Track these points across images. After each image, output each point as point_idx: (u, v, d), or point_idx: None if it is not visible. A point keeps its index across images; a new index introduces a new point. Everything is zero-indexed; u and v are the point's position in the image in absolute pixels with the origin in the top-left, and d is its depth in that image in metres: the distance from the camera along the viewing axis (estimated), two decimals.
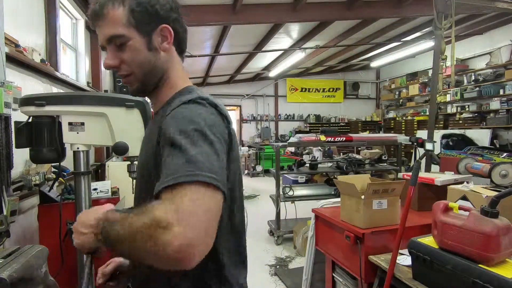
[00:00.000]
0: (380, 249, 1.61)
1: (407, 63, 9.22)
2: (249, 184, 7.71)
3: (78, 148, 1.62)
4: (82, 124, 1.59)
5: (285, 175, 4.98)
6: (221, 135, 0.63)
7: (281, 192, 3.89)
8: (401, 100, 9.71)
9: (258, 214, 5.02)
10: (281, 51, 7.00)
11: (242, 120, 10.63)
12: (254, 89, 10.29)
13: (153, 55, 0.71)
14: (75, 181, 1.65)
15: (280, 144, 4.00)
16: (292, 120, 10.82)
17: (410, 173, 1.54)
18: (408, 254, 1.34)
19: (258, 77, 10.11)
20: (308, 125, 10.59)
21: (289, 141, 3.96)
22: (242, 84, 10.36)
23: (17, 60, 1.94)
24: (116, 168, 2.74)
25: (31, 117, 1.55)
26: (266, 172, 8.55)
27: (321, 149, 5.63)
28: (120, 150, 1.57)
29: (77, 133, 1.59)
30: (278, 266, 3.27)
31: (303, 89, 10.86)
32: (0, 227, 1.60)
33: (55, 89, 2.59)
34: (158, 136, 0.66)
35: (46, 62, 2.35)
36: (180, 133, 0.57)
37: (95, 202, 1.79)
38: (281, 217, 3.92)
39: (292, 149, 6.06)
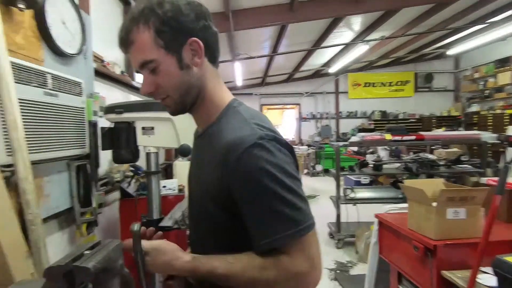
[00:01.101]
0: (456, 264, 1.42)
1: (495, 48, 7.91)
2: (308, 183, 7.58)
3: (149, 150, 1.81)
4: (152, 128, 1.77)
5: (347, 175, 4.75)
6: (293, 168, 0.67)
7: (341, 194, 3.73)
8: (487, 91, 8.40)
9: (317, 215, 4.80)
10: (342, 46, 6.69)
11: (301, 119, 10.50)
12: (314, 87, 10.05)
13: (186, 73, 0.69)
14: (147, 179, 1.85)
15: (341, 143, 3.84)
16: (355, 118, 10.27)
17: (497, 178, 1.32)
18: (493, 274, 1.15)
19: (317, 74, 9.85)
20: (372, 122, 9.91)
21: (351, 140, 3.77)
22: (301, 82, 10.22)
23: (102, 73, 2.25)
24: (182, 167, 2.97)
25: (112, 123, 1.79)
26: (326, 171, 8.29)
27: (388, 148, 5.21)
28: (184, 151, 1.70)
29: (149, 136, 1.77)
30: (338, 271, 3.14)
31: (367, 84, 10.21)
32: (90, 217, 1.89)
33: (132, 97, 2.93)
34: (223, 173, 0.65)
35: (125, 74, 2.67)
36: (268, 183, 0.61)
37: (164, 198, 1.97)
38: (342, 219, 3.76)
39: (355, 148, 5.75)
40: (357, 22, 5.69)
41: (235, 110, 0.73)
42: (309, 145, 9.32)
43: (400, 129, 3.80)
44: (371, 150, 5.78)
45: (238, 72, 6.94)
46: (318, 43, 6.31)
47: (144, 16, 0.65)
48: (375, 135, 3.72)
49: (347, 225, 3.90)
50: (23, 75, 1.31)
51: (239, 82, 8.14)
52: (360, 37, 6.22)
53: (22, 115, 1.20)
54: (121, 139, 1.77)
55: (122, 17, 2.88)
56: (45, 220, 1.56)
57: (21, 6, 1.30)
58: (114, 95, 2.55)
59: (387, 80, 10.14)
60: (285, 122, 14.61)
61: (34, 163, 1.34)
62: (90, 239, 1.95)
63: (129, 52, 0.69)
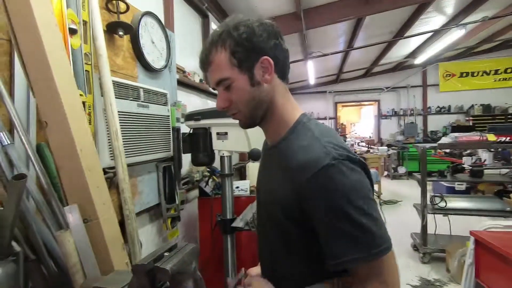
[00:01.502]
0: None
1: None
2: (388, 187, 6.95)
3: (223, 153, 1.92)
4: (226, 133, 1.87)
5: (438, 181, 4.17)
6: (368, 188, 0.67)
7: (428, 202, 3.30)
8: None
9: (398, 223, 4.46)
10: (430, 33, 5.90)
11: (380, 116, 9.68)
12: (395, 81, 9.14)
13: (256, 90, 0.72)
14: (221, 181, 1.97)
15: (427, 145, 3.38)
16: (448, 113, 8.95)
17: None
18: None
19: (400, 66, 8.92)
20: (471, 118, 8.47)
21: (440, 142, 3.29)
22: (381, 77, 9.41)
23: (183, 83, 2.49)
24: (254, 169, 3.08)
25: (191, 129, 1.97)
26: (411, 174, 7.45)
27: (492, 150, 4.38)
28: (254, 155, 1.76)
29: (222, 141, 1.89)
30: None
31: (463, 74, 8.77)
32: (174, 213, 2.12)
33: (209, 102, 3.16)
34: (297, 192, 0.67)
35: (203, 81, 2.90)
36: (342, 206, 0.62)
37: (237, 199, 2.07)
38: (429, 231, 3.33)
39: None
40: (450, 5, 4.93)
41: (305, 126, 0.75)
42: (389, 145, 8.53)
43: (507, 127, 3.14)
44: (468, 151, 4.94)
45: (311, 71, 6.81)
46: (400, 33, 5.71)
47: (222, 39, 0.70)
48: (473, 136, 3.16)
49: (435, 238, 3.43)
50: (122, 91, 1.55)
51: (311, 80, 7.98)
52: (454, 21, 5.37)
53: (121, 125, 1.43)
54: (199, 144, 1.93)
55: (201, 29, 3.13)
56: (139, 213, 1.83)
57: (121, 33, 1.54)
58: (194, 101, 2.80)
59: (491, 68, 8.51)
60: (362, 120, 13.73)
61: (130, 165, 1.57)
62: (174, 233, 2.19)
63: (207, 71, 0.75)
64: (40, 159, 1.06)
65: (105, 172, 1.44)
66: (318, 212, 0.65)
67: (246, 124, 0.79)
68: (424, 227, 3.29)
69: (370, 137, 10.95)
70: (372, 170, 5.97)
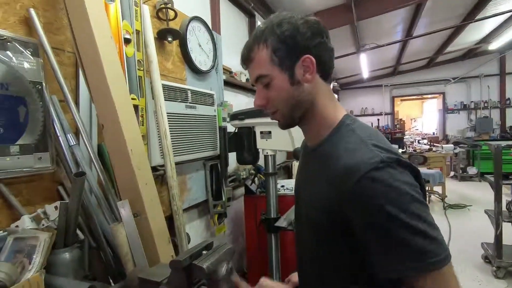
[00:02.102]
0: None
1: None
2: (455, 189, 6.24)
3: (267, 152, 1.93)
4: (270, 132, 1.87)
5: None
6: (417, 191, 0.61)
7: (504, 208, 2.88)
8: None
9: (466, 230, 3.98)
10: (509, 14, 5.09)
11: (446, 110, 8.72)
12: (464, 70, 8.13)
13: (296, 89, 0.70)
14: (265, 179, 1.98)
15: (503, 143, 2.94)
16: None
17: None
18: None
19: (470, 53, 7.90)
20: None
21: None
22: (446, 66, 8.45)
23: (230, 83, 2.56)
24: None
25: (236, 128, 2.02)
26: (483, 176, 6.58)
27: None
28: (298, 155, 1.73)
29: (266, 140, 1.89)
30: None
31: None
32: (221, 209, 2.20)
33: None
34: (340, 197, 0.63)
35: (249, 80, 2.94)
36: (392, 211, 0.57)
37: (282, 198, 2.07)
38: (505, 241, 2.90)
39: None
40: None
41: (349, 129, 0.71)
42: (457, 143, 7.62)
43: None
44: None
45: (364, 64, 6.43)
46: (471, 16, 5.04)
47: (264, 36, 0.69)
48: None
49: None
50: (171, 93, 1.65)
51: (365, 74, 7.53)
52: None
53: (170, 126, 1.52)
54: (243, 143, 1.96)
55: (247, 28, 3.18)
56: (188, 209, 1.94)
57: (169, 39, 1.64)
58: (241, 101, 2.86)
59: None
60: (424, 115, 12.53)
61: (178, 163, 1.67)
62: (221, 228, 2.27)
63: (248, 68, 0.75)
64: (100, 158, 1.19)
65: (156, 170, 1.55)
66: (366, 219, 0.60)
67: (285, 124, 0.77)
68: (498, 236, 2.88)
69: (433, 133, 9.95)
70: (435, 170, 5.41)
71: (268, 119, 1.81)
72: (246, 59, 0.73)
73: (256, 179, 2.56)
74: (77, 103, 1.18)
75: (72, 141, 1.10)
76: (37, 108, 1.02)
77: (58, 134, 1.06)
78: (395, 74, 8.86)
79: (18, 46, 0.99)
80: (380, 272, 0.60)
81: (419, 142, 7.65)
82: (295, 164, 3.25)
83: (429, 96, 9.88)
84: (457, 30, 5.68)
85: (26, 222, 0.94)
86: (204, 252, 0.79)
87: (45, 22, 1.09)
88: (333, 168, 0.66)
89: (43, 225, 0.98)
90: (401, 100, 10.85)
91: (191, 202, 1.94)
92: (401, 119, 11.35)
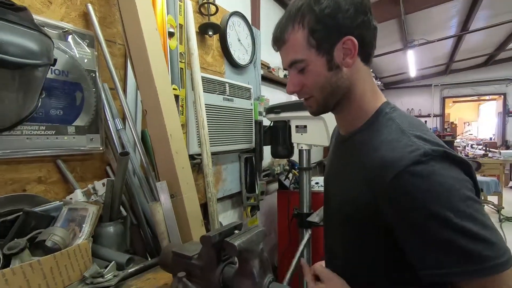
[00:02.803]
0: None
1: None
2: None
3: (302, 147, 1.91)
4: (305, 127, 1.86)
5: None
6: (469, 188, 0.55)
7: None
8: None
9: None
10: None
11: (507, 113, 7.85)
12: None
13: (334, 74, 0.64)
14: (299, 175, 1.97)
15: None
16: None
17: None
18: None
19: None
20: None
21: None
22: (508, 64, 7.60)
23: (268, 78, 2.57)
24: None
25: (272, 122, 2.03)
26: None
27: None
28: None
29: (301, 134, 1.88)
30: None
31: None
32: (254, 202, 2.23)
33: (293, 97, 3.18)
34: (376, 191, 0.59)
35: (287, 77, 2.94)
36: (437, 209, 0.52)
37: (315, 195, 2.04)
38: None
39: None
40: None
41: (388, 117, 0.64)
42: None
43: None
44: None
45: (412, 62, 6.04)
46: None
47: (301, 15, 0.62)
48: None
49: None
50: (210, 86, 1.71)
51: (412, 73, 7.07)
52: None
53: (207, 117, 1.58)
54: (278, 136, 1.97)
55: None
56: (222, 199, 2.00)
57: (210, 33, 1.70)
58: (278, 96, 2.86)
59: None
60: (480, 119, 11.41)
61: (214, 153, 1.73)
62: (253, 221, 2.30)
63: (280, 50, 0.68)
64: (142, 142, 1.28)
65: (193, 158, 1.63)
66: (405, 217, 0.55)
67: (318, 111, 0.71)
68: None
69: (491, 139, 9.02)
70: (490, 178, 4.91)
71: (305, 113, 1.81)
72: (279, 41, 0.66)
73: (290, 174, 2.55)
74: (125, 91, 1.28)
75: (119, 125, 1.19)
76: (90, 94, 1.13)
77: (108, 118, 1.17)
78: (447, 73, 8.19)
79: (77, 38, 1.11)
80: (426, 276, 0.54)
81: (472, 147, 7.00)
82: None
83: (487, 97, 8.98)
84: None
85: (78, 195, 1.05)
86: (236, 231, 0.81)
87: (100, 17, 1.20)
88: (369, 160, 0.61)
89: (92, 199, 1.08)
90: (454, 102, 10.01)
91: (225, 193, 1.99)
92: (452, 122, 10.47)
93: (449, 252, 0.51)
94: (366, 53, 0.65)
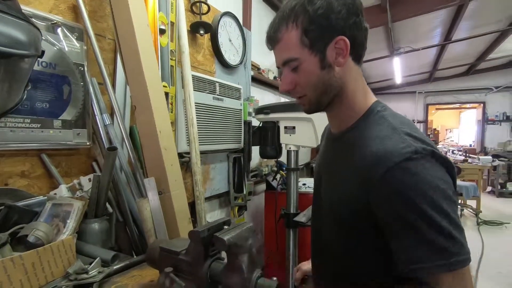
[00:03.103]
0: None
1: None
2: (492, 205, 5.83)
3: (290, 148, 1.93)
4: (294, 128, 1.88)
5: None
6: (452, 189, 0.57)
7: None
8: None
9: (502, 249, 3.71)
10: None
11: (486, 121, 8.18)
12: (509, 79, 7.59)
13: (326, 73, 0.65)
14: (287, 175, 1.99)
15: None
16: None
17: None
18: None
19: None
20: None
21: None
22: (488, 74, 7.93)
23: (257, 79, 2.59)
24: None
25: (261, 123, 2.04)
26: None
27: None
28: None
29: (290, 135, 1.90)
30: None
31: None
32: (241, 202, 2.23)
33: (282, 99, 3.21)
34: (366, 187, 0.60)
35: (277, 78, 2.96)
36: (423, 206, 0.54)
37: (302, 196, 2.06)
38: None
39: None
40: None
41: (379, 116, 0.67)
42: (496, 155, 7.11)
43: None
44: None
45: (397, 69, 6.21)
46: None
47: (294, 15, 0.63)
48: None
49: None
50: (200, 84, 1.71)
51: (398, 79, 7.27)
52: None
53: (197, 115, 1.58)
54: (267, 137, 1.98)
55: None
56: (210, 198, 1.99)
57: (201, 32, 1.71)
58: (267, 98, 2.88)
59: None
60: (462, 126, 11.82)
61: (203, 152, 1.73)
62: (240, 221, 2.30)
63: (274, 49, 0.69)
64: (131, 138, 1.26)
65: (182, 157, 1.62)
66: (393, 212, 0.57)
67: (311, 109, 0.72)
68: None
69: (471, 145, 9.37)
70: (469, 183, 5.09)
71: (294, 114, 1.83)
72: (273, 40, 0.67)
73: (278, 175, 2.57)
74: (114, 86, 1.27)
75: (107, 121, 1.18)
76: (78, 88, 1.11)
77: (96, 113, 1.15)
78: (431, 81, 8.46)
79: (66, 30, 1.09)
80: (402, 268, 0.57)
81: (453, 153, 7.24)
82: None
83: (468, 105, 9.33)
84: (503, 35, 5.33)
85: (63, 190, 1.03)
86: (225, 227, 0.81)
87: (90, 10, 1.18)
88: (360, 156, 0.62)
89: (77, 195, 1.06)
90: (436, 109, 10.34)
91: (213, 192, 1.99)
92: (435, 129, 10.80)
93: (426, 249, 0.54)
94: (357, 53, 0.67)
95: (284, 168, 2.49)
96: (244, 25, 2.26)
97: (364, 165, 0.60)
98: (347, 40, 0.63)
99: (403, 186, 0.55)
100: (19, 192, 0.96)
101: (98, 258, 0.87)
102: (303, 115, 1.85)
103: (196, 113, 1.56)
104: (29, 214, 0.91)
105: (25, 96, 0.95)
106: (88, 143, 1.14)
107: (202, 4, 1.71)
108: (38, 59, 0.94)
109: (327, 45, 0.64)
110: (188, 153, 1.58)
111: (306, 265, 0.98)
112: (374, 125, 0.65)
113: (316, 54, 0.64)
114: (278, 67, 0.72)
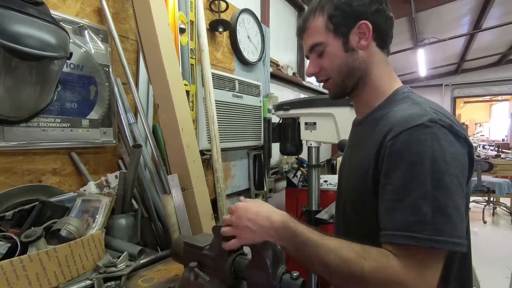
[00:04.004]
0: None
1: None
2: None
3: (311, 144, 1.91)
4: (314, 123, 1.85)
5: None
6: (461, 171, 0.54)
7: None
8: None
9: None
10: None
11: None
12: None
13: (350, 56, 0.69)
14: (308, 172, 1.96)
15: None
16: None
17: None
18: None
19: None
20: None
21: None
22: None
23: (276, 76, 2.57)
24: None
25: (281, 119, 2.02)
26: None
27: None
28: (342, 146, 1.68)
29: (311, 131, 1.87)
30: None
31: None
32: (262, 199, 2.23)
33: (302, 95, 3.17)
34: (378, 153, 0.60)
35: (296, 74, 2.93)
36: (413, 176, 0.52)
37: (324, 193, 2.03)
38: None
39: None
40: None
41: (404, 95, 0.68)
42: None
43: None
44: None
45: (422, 61, 5.96)
46: None
47: (321, 5, 0.70)
48: None
49: None
50: (220, 82, 1.72)
51: (422, 72, 6.98)
52: None
53: (217, 113, 1.59)
54: (287, 133, 1.97)
55: (296, 22, 3.16)
56: (231, 195, 2.00)
57: (220, 30, 1.71)
58: (286, 94, 2.86)
59: None
60: (492, 120, 11.19)
61: (224, 150, 1.74)
62: None
63: (303, 38, 0.74)
64: (154, 137, 1.29)
65: (203, 154, 1.64)
66: (391, 170, 0.55)
67: (337, 93, 0.74)
68: None
69: (503, 140, 8.85)
70: (502, 179, 4.81)
71: (314, 110, 1.80)
72: (302, 29, 0.73)
73: (298, 172, 2.55)
74: (137, 85, 1.30)
75: (132, 119, 1.21)
76: (104, 88, 1.14)
77: (120, 112, 1.19)
78: (459, 73, 8.05)
79: (92, 33, 1.13)
80: (384, 236, 0.54)
81: (484, 148, 6.87)
82: (339, 161, 3.15)
83: (500, 97, 8.80)
84: None
85: (91, 187, 1.07)
86: None
87: (113, 12, 1.22)
88: (379, 129, 0.62)
89: (104, 191, 1.10)
90: (465, 102, 9.84)
91: (234, 189, 2.00)
92: (463, 123, 10.29)
93: (410, 217, 0.51)
94: (381, 39, 0.70)
95: (304, 165, 2.46)
96: (262, 22, 2.25)
97: (382, 133, 0.60)
98: (370, 25, 0.67)
99: (407, 148, 0.54)
100: (51, 189, 1.00)
101: (126, 252, 0.90)
102: (324, 110, 1.83)
103: (216, 110, 1.57)
104: (61, 210, 0.95)
105: (55, 97, 1.00)
106: (114, 141, 1.18)
107: (221, 2, 1.71)
108: (67, 61, 0.98)
109: (350, 29, 0.68)
110: (209, 150, 1.60)
111: None
112: (397, 103, 0.66)
113: (340, 37, 0.68)
114: (306, 56, 0.76)
